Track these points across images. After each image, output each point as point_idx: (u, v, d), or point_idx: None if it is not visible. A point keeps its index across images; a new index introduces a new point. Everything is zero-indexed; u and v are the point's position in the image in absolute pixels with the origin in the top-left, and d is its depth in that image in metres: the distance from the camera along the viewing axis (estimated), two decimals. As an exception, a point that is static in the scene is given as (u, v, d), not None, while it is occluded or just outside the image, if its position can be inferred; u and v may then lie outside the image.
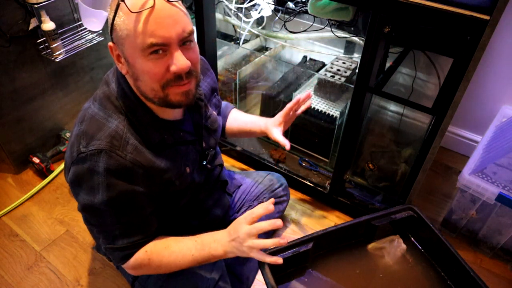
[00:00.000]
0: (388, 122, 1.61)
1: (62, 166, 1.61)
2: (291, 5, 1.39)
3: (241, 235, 0.81)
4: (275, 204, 1.28)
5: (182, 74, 0.70)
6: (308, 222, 1.42)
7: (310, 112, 1.46)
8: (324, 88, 1.46)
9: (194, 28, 0.99)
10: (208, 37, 1.37)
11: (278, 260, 0.85)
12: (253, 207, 0.79)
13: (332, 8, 1.17)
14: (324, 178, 1.52)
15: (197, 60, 0.74)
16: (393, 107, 1.63)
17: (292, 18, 1.44)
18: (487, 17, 0.81)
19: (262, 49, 1.82)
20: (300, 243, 1.01)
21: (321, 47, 1.68)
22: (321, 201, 1.49)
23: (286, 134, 1.60)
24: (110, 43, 0.71)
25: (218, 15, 1.62)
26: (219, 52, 1.67)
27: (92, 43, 1.52)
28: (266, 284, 0.91)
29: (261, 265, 0.94)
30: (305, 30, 1.47)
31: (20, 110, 1.48)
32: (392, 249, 1.11)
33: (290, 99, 1.49)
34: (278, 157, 1.59)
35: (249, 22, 1.55)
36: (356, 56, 1.57)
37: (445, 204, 1.49)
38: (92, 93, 0.82)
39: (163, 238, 0.86)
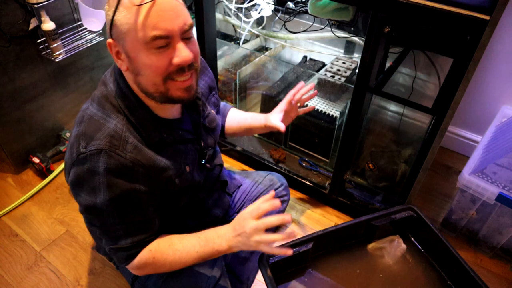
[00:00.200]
0: (388, 122, 1.61)
1: (62, 166, 1.61)
2: (291, 5, 1.39)
3: (248, 230, 0.79)
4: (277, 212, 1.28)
5: (184, 66, 0.70)
6: (308, 222, 1.42)
7: (310, 112, 1.46)
8: (324, 88, 1.46)
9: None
10: (208, 37, 1.37)
11: (287, 251, 0.83)
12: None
13: (332, 8, 1.17)
14: (324, 178, 1.52)
15: (198, 53, 0.75)
16: (393, 107, 1.63)
17: (292, 18, 1.44)
18: (487, 17, 0.81)
19: (262, 49, 1.82)
20: (300, 243, 1.01)
21: (321, 47, 1.68)
22: (321, 201, 1.49)
23: (286, 133, 1.61)
24: (110, 40, 0.70)
25: (218, 15, 1.62)
26: (219, 52, 1.66)
27: (92, 43, 1.52)
28: (266, 284, 0.91)
29: (261, 265, 0.94)
30: (305, 30, 1.47)
31: (20, 110, 1.48)
32: (392, 249, 1.11)
33: (290, 99, 1.49)
34: (278, 157, 1.59)
35: (249, 22, 1.55)
36: (356, 56, 1.57)
37: (445, 204, 1.49)
38: (92, 93, 0.82)
39: (166, 236, 0.85)
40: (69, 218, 1.43)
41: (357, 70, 1.14)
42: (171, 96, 0.73)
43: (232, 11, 1.57)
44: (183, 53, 0.68)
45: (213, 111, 0.97)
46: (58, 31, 1.39)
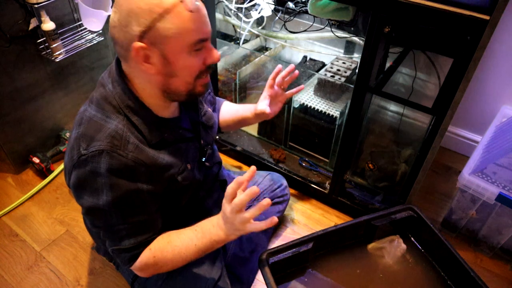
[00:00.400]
0: (388, 122, 1.61)
1: (62, 166, 1.61)
2: (291, 5, 1.39)
3: (228, 215, 0.77)
4: (275, 204, 1.28)
5: (212, 65, 0.78)
6: (308, 222, 1.42)
7: (310, 112, 1.46)
8: (324, 88, 1.46)
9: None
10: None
11: (273, 220, 0.77)
12: (253, 207, 0.77)
13: (332, 8, 1.17)
14: (324, 178, 1.52)
15: None
16: (393, 107, 1.63)
17: (292, 18, 1.44)
18: (487, 17, 0.81)
19: (262, 49, 1.82)
20: (300, 243, 1.01)
21: (321, 47, 1.68)
22: (321, 201, 1.49)
23: (286, 133, 1.61)
24: (140, 44, 0.69)
25: (218, 15, 1.62)
26: (219, 52, 1.66)
27: (92, 43, 1.52)
28: (266, 284, 0.91)
29: (261, 265, 0.94)
30: (305, 30, 1.47)
31: (20, 110, 1.48)
32: (392, 249, 1.11)
33: (290, 99, 1.49)
34: (278, 157, 1.59)
35: (249, 22, 1.55)
36: (356, 56, 1.57)
37: (445, 204, 1.49)
38: (90, 95, 0.82)
39: (164, 234, 0.85)
40: (69, 218, 1.43)
41: (357, 70, 1.14)
42: (195, 92, 0.79)
43: (232, 11, 1.57)
44: (216, 54, 0.77)
45: (210, 109, 0.98)
46: (58, 31, 1.39)
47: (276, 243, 1.34)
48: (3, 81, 1.38)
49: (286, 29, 1.51)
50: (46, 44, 1.39)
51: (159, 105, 0.79)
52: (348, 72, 1.46)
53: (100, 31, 1.51)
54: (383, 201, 1.36)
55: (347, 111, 1.22)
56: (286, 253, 0.99)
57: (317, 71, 1.55)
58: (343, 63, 1.52)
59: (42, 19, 1.31)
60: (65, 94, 1.62)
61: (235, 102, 1.72)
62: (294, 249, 1.00)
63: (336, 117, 1.40)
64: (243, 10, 1.53)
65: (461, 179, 1.20)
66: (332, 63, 1.52)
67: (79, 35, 1.51)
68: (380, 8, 0.93)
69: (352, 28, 1.30)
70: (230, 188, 0.76)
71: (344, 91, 1.46)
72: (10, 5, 1.29)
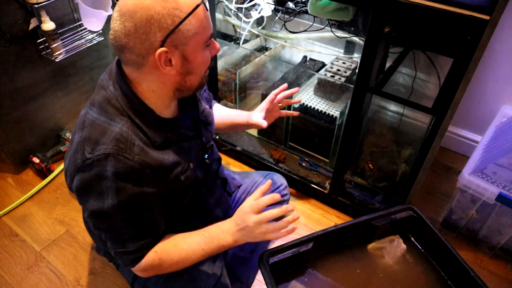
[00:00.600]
0: (388, 122, 1.61)
1: (62, 166, 1.61)
2: (291, 5, 1.39)
3: (251, 224, 0.81)
4: (275, 204, 1.28)
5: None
6: (308, 222, 1.42)
7: (310, 112, 1.46)
8: (324, 88, 1.46)
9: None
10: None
11: (292, 231, 0.85)
12: (273, 209, 0.81)
13: (332, 8, 1.17)
14: (324, 178, 1.52)
15: None
16: (393, 107, 1.63)
17: (292, 18, 1.44)
18: (487, 17, 0.81)
19: (262, 49, 1.82)
20: (300, 243, 1.01)
21: (321, 47, 1.68)
22: (321, 201, 1.49)
23: (286, 133, 1.61)
24: (163, 49, 0.69)
25: (218, 15, 1.62)
26: (219, 52, 1.66)
27: (92, 43, 1.52)
28: (266, 284, 0.91)
29: (261, 265, 0.94)
30: (305, 30, 1.47)
31: (20, 110, 1.48)
32: (392, 249, 1.11)
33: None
34: (278, 157, 1.59)
35: (249, 22, 1.55)
36: (356, 56, 1.57)
37: (445, 204, 1.49)
38: (92, 93, 0.82)
39: (170, 236, 0.85)
40: (69, 218, 1.43)
41: (357, 70, 1.14)
42: (203, 84, 0.82)
43: (232, 11, 1.57)
44: (217, 44, 0.81)
45: (207, 106, 0.99)
46: (58, 31, 1.39)
47: (276, 243, 1.33)
48: (3, 81, 1.38)
49: (286, 29, 1.51)
50: (46, 44, 1.39)
51: (161, 105, 0.79)
52: (348, 72, 1.46)
53: (100, 31, 1.50)
54: (383, 201, 1.36)
55: (347, 111, 1.22)
56: (286, 253, 0.99)
57: (317, 71, 1.55)
58: (343, 63, 1.52)
59: (42, 19, 1.31)
60: (65, 94, 1.62)
61: (235, 102, 1.72)
62: (294, 249, 1.00)
63: (336, 117, 1.40)
64: (243, 10, 1.53)
65: (461, 179, 1.20)
66: (332, 63, 1.52)
67: (79, 35, 1.51)
68: (380, 8, 0.93)
69: (352, 28, 1.30)
70: (261, 204, 0.82)
71: (344, 91, 1.46)
72: (10, 5, 1.29)
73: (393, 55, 1.28)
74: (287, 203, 1.35)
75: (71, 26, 1.49)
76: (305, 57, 1.67)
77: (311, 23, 1.41)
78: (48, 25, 1.33)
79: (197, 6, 0.70)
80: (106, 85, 0.78)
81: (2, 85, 1.38)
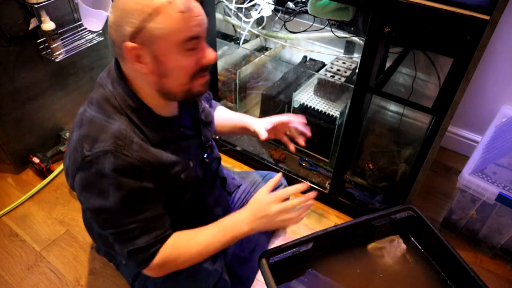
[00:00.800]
0: (388, 122, 1.61)
1: (62, 166, 1.61)
2: (291, 5, 1.39)
3: (272, 213, 0.85)
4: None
5: (209, 65, 0.77)
6: (308, 222, 1.42)
7: (310, 112, 1.46)
8: (324, 88, 1.46)
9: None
10: (208, 37, 1.37)
11: (306, 210, 0.90)
12: (297, 199, 0.87)
13: (332, 8, 1.17)
14: (324, 178, 1.52)
15: None
16: (393, 107, 1.63)
17: (292, 18, 1.44)
18: (487, 17, 0.81)
19: (262, 49, 1.82)
20: (300, 243, 1.01)
21: (321, 47, 1.68)
22: (321, 201, 1.49)
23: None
24: (131, 44, 0.69)
25: (218, 15, 1.62)
26: (219, 52, 1.66)
27: (92, 43, 1.52)
28: (266, 284, 0.91)
29: (261, 265, 0.94)
30: (305, 30, 1.47)
31: (20, 110, 1.48)
32: (392, 249, 1.11)
33: (290, 99, 1.49)
34: (278, 157, 1.59)
35: (249, 22, 1.55)
36: (356, 56, 1.57)
37: (445, 204, 1.49)
38: (89, 96, 0.82)
39: (183, 231, 0.85)
40: (69, 218, 1.43)
41: (357, 70, 1.14)
42: (193, 92, 0.78)
43: (232, 11, 1.57)
44: (211, 54, 0.76)
45: (207, 105, 0.99)
46: (58, 31, 1.39)
47: (276, 243, 1.33)
48: (3, 81, 1.38)
49: (286, 29, 1.51)
50: (46, 44, 1.39)
51: (159, 104, 0.79)
52: (348, 72, 1.46)
53: (100, 31, 1.51)
54: (383, 201, 1.36)
55: (347, 111, 1.22)
56: (286, 253, 0.99)
57: (317, 71, 1.55)
58: (343, 63, 1.52)
59: (42, 19, 1.31)
60: (65, 94, 1.62)
61: (235, 102, 1.72)
62: (294, 249, 1.00)
63: (336, 117, 1.41)
64: (243, 10, 1.53)
65: (461, 179, 1.20)
66: (332, 63, 1.52)
67: (79, 35, 1.51)
68: (380, 8, 0.93)
69: (352, 28, 1.30)
70: (288, 192, 0.88)
71: (344, 91, 1.46)
72: (10, 5, 1.29)
73: (393, 55, 1.28)
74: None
75: (71, 26, 1.49)
76: (305, 57, 1.67)
77: (311, 23, 1.41)
78: (48, 25, 1.33)
79: (172, 5, 0.68)
80: (104, 83, 0.78)
81: (2, 85, 1.38)
